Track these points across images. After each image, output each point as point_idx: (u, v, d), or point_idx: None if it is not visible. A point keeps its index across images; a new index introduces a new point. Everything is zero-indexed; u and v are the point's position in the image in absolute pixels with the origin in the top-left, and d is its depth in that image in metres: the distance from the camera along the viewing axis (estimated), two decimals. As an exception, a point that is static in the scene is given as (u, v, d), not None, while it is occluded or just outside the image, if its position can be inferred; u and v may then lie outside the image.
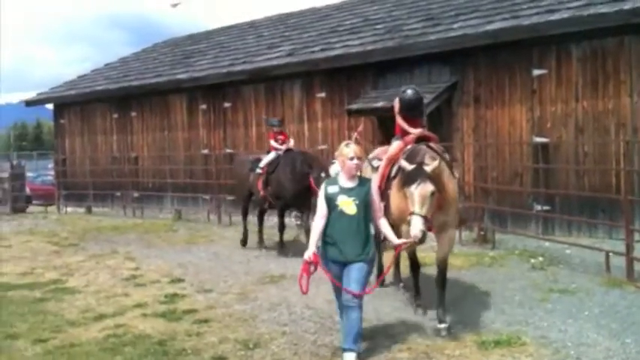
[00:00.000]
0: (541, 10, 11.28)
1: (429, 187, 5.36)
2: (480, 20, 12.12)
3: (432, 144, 6.33)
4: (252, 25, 20.73)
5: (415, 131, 6.60)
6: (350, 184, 5.19)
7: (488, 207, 11.17)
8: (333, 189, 5.20)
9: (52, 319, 6.83)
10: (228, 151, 16.28)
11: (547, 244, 9.89)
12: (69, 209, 19.00)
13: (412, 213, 5.32)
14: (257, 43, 17.76)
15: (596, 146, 10.62)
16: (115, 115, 19.38)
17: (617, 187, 9.95)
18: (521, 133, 11.47)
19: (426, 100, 11.51)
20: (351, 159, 5.15)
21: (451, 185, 6.03)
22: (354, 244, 5.09)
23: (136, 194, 18.04)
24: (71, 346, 5.84)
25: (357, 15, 16.47)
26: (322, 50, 14.41)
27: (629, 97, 10.32)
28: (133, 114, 18.82)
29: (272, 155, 10.49)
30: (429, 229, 5.52)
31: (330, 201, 5.16)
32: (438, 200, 5.63)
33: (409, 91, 6.73)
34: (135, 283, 8.58)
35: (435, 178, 5.47)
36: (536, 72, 11.23)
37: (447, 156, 6.55)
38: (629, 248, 7.78)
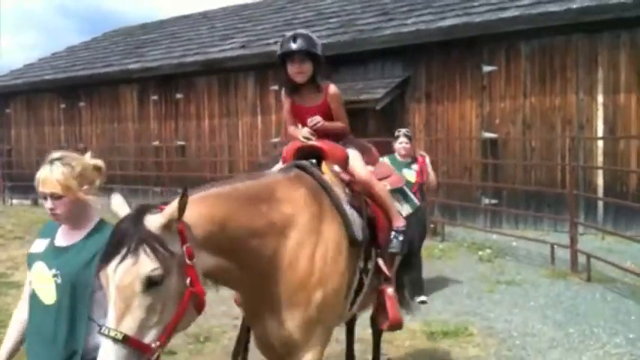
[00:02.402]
0: (492, 7, 11.48)
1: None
2: (433, 16, 12.25)
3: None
4: (206, 16, 20.47)
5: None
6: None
7: (438, 200, 11.33)
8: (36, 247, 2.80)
9: (-5, 313, 6.63)
10: (180, 143, 16.07)
11: (494, 236, 10.10)
12: (14, 201, 18.46)
13: None
14: (210, 34, 17.56)
15: (543, 142, 10.89)
16: (63, 106, 18.88)
17: (563, 182, 10.23)
18: (471, 128, 11.66)
19: (378, 95, 11.74)
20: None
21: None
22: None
23: (84, 186, 17.62)
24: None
25: (311, 9, 16.45)
26: (276, 43, 14.25)
27: (576, 95, 10.61)
28: (82, 104, 18.38)
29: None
30: None
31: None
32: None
33: None
34: (82, 276, 8.39)
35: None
36: (486, 68, 11.43)
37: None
38: (573, 241, 8.02)
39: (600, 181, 10.40)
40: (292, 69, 3.59)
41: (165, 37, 19.04)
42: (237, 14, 19.07)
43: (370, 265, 3.42)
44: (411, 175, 6.70)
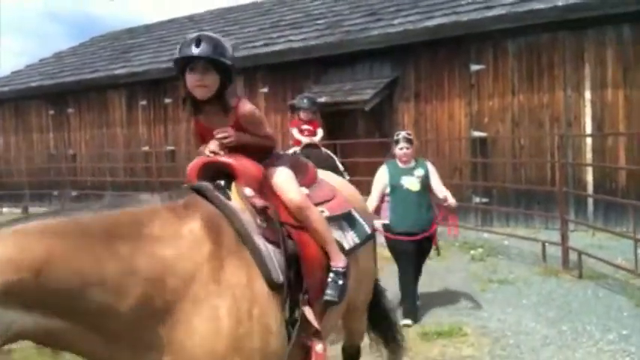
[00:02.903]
0: (479, 6, 11.51)
1: None
2: (420, 16, 12.28)
3: None
4: (193, 20, 20.41)
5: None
6: None
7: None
8: None
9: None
10: (170, 148, 16.02)
11: (486, 235, 10.12)
12: (4, 209, 18.31)
13: None
14: (198, 37, 17.48)
15: (532, 140, 10.93)
16: (51, 112, 18.77)
17: (552, 180, 10.27)
18: (460, 127, 11.69)
19: (367, 96, 11.74)
20: None
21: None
22: None
23: (74, 193, 17.53)
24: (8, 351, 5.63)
25: (299, 10, 16.44)
26: (264, 45, 14.32)
27: (563, 92, 10.66)
28: (70, 110, 18.28)
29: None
30: None
31: None
32: None
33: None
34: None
35: None
36: (474, 67, 11.46)
37: None
38: (564, 238, 8.05)
39: (590, 177, 10.45)
40: (192, 80, 2.86)
41: (152, 42, 18.97)
42: (223, 17, 19.04)
43: (297, 315, 2.71)
44: (412, 183, 6.07)
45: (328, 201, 3.24)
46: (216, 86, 2.86)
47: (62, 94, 18.23)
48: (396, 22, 12.52)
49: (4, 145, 20.25)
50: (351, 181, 7.07)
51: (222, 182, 2.83)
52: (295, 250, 2.79)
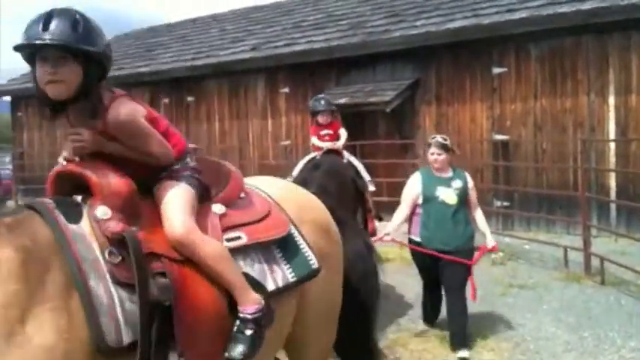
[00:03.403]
0: (501, 9, 11.46)
1: None
2: (442, 18, 12.25)
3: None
4: (216, 19, 20.53)
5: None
6: None
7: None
8: None
9: None
10: (191, 146, 16.09)
11: (507, 239, 10.07)
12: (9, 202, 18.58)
13: None
14: (221, 36, 17.61)
15: (555, 144, 10.86)
16: (75, 109, 18.96)
17: (575, 184, 10.21)
18: (482, 130, 11.65)
19: (388, 98, 11.75)
20: None
21: None
22: None
23: (96, 189, 17.72)
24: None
25: (321, 10, 16.46)
26: (286, 45, 14.37)
27: (587, 96, 10.58)
28: (93, 108, 18.45)
29: (304, 161, 6.90)
30: None
31: None
32: None
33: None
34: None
35: None
36: (497, 70, 11.42)
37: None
38: (586, 243, 7.99)
39: (613, 183, 10.37)
40: (42, 73, 2.21)
41: (175, 41, 19.10)
42: (246, 17, 19.11)
43: None
44: (449, 196, 5.38)
45: (254, 222, 2.55)
46: (77, 81, 2.21)
47: (86, 92, 18.38)
48: (418, 23, 12.50)
49: (28, 141, 20.52)
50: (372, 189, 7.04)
51: (80, 198, 2.19)
52: (171, 294, 2.08)
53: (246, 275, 2.38)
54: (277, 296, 2.49)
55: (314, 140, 7.04)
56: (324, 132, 7.01)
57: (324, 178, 5.49)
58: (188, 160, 2.55)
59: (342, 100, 12.29)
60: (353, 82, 13.13)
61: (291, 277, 2.56)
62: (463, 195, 5.43)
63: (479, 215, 5.63)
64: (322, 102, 7.13)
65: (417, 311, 6.28)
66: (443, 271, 5.35)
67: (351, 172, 6.55)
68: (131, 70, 17.35)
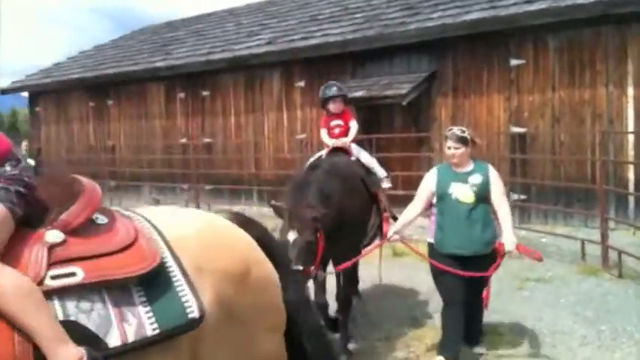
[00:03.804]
0: (519, 0, 11.33)
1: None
2: (458, 10, 12.14)
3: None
4: (232, 13, 20.56)
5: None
6: None
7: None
8: None
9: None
10: (207, 140, 16.18)
11: (523, 232, 9.96)
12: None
13: None
14: (236, 30, 17.62)
15: (572, 136, 10.74)
16: (92, 104, 19.13)
17: (593, 177, 10.08)
18: (499, 122, 11.55)
19: (404, 91, 11.68)
20: None
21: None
22: None
23: (113, 183, 17.86)
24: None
25: (336, 4, 16.40)
26: (302, 39, 14.34)
27: (605, 88, 10.44)
28: (110, 102, 18.60)
29: (313, 158, 6.38)
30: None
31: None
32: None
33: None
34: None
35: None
36: (514, 62, 11.30)
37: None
38: (604, 236, 7.91)
39: (631, 175, 10.22)
40: None
41: (190, 35, 19.16)
42: (262, 11, 19.11)
43: None
44: (465, 193, 4.72)
45: (105, 255, 2.03)
46: None
47: (102, 86, 18.55)
48: (434, 16, 12.40)
49: (46, 136, 20.71)
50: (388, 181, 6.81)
51: None
52: None
53: (74, 324, 1.87)
54: (129, 355, 1.94)
55: (323, 135, 6.37)
56: (334, 122, 6.28)
57: (323, 179, 5.01)
58: (7, 167, 2.06)
59: (358, 94, 12.25)
60: (369, 75, 13.07)
61: (151, 328, 1.98)
62: (482, 191, 4.71)
63: (502, 212, 4.80)
64: (334, 88, 6.33)
65: (431, 305, 6.26)
66: (460, 278, 4.70)
67: (359, 171, 5.91)
68: (147, 65, 17.43)
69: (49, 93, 20.42)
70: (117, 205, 16.65)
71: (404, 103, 11.72)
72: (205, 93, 16.23)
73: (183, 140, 16.69)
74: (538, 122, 11.13)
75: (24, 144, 13.81)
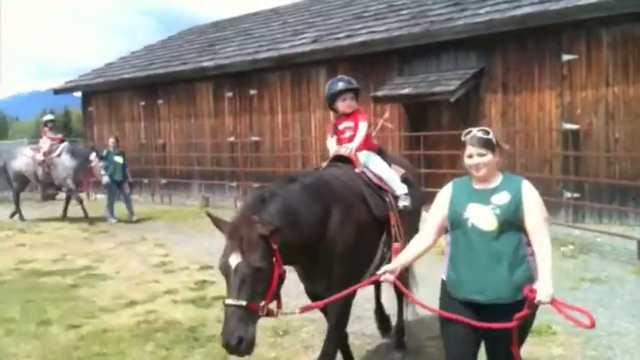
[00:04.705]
0: (571, -7, 11.09)
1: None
2: (507, 5, 11.94)
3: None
4: (277, 12, 20.70)
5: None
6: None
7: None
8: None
9: (84, 305, 6.96)
10: (254, 138, 16.33)
11: (577, 232, 9.79)
12: (98, 196, 19.21)
13: None
14: (282, 29, 17.74)
15: (627, 133, 10.46)
16: (142, 103, 19.53)
17: (649, 174, 9.81)
18: (551, 119, 11.32)
19: (453, 87, 11.56)
20: None
21: None
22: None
23: (163, 181, 18.22)
24: (104, 331, 5.96)
25: (382, 1, 16.32)
26: (347, 37, 14.34)
27: (662, 82, 10.13)
28: (160, 101, 18.95)
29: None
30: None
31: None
32: None
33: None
34: (165, 269, 8.71)
35: None
36: (566, 57, 11.05)
37: None
38: (662, 236, 7.68)
39: (690, 172, 9.91)
40: None
41: (237, 35, 19.36)
42: (307, 9, 19.18)
43: None
44: (485, 217, 3.30)
45: None
46: None
47: (152, 86, 18.91)
48: (482, 11, 12.23)
49: (98, 134, 21.20)
50: (428, 177, 6.66)
51: None
52: None
53: None
54: None
55: (329, 143, 5.12)
56: (343, 125, 5.02)
57: (296, 193, 3.90)
58: None
59: (405, 91, 12.19)
60: (415, 72, 12.98)
61: None
62: (510, 215, 3.28)
63: (539, 245, 3.35)
64: (340, 83, 4.99)
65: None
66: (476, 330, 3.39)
67: (361, 188, 4.50)
68: (195, 64, 17.69)
69: (101, 93, 20.91)
70: (167, 202, 16.97)
71: (452, 99, 11.60)
72: (252, 92, 16.38)
73: (231, 139, 16.88)
74: (591, 118, 10.86)
75: (111, 140, 14.05)
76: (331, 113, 6.50)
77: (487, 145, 3.38)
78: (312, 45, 14.92)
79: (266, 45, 16.58)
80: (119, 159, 13.82)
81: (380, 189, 4.67)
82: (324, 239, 3.96)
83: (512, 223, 3.30)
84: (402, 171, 5.03)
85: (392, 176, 4.85)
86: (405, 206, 4.71)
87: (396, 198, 4.73)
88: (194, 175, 17.54)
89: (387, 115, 12.33)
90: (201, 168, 17.25)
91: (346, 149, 4.81)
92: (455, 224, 3.43)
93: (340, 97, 4.96)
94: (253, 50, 16.61)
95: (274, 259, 3.41)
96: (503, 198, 3.33)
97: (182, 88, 18.18)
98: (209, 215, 3.61)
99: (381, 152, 5.07)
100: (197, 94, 17.86)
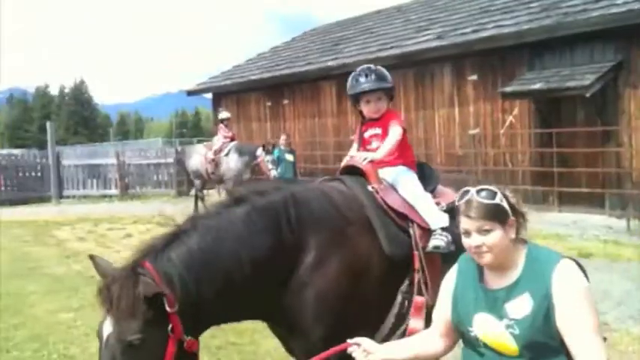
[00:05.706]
0: None
1: None
2: (648, -7, 11.21)
3: None
4: (400, 9, 20.62)
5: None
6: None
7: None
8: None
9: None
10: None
11: None
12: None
13: None
14: (405, 27, 17.66)
15: None
16: (268, 103, 20.15)
17: None
18: (698, 114, 10.52)
19: (588, 82, 11.02)
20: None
21: None
22: None
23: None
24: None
25: (510, -7, 15.83)
26: (474, 32, 14.03)
27: None
28: (285, 102, 19.47)
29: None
30: None
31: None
32: None
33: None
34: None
35: None
36: None
37: None
38: None
39: None
40: None
41: (360, 33, 19.49)
42: (431, 5, 18.95)
43: None
44: (497, 335, 2.16)
45: None
46: None
47: (278, 86, 19.47)
48: (619, 1, 11.55)
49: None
50: (562, 176, 6.34)
51: None
52: None
53: None
54: None
55: (353, 148, 4.09)
56: (370, 132, 3.91)
57: (227, 229, 2.83)
58: None
59: (537, 86, 11.78)
60: (547, 66, 12.49)
61: None
62: (536, 334, 2.09)
63: None
64: (362, 80, 3.88)
65: (625, 310, 5.88)
66: None
67: (364, 211, 3.31)
68: (319, 64, 18.01)
69: (230, 94, 21.79)
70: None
71: (587, 94, 11.05)
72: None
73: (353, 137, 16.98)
74: None
75: (282, 138, 14.47)
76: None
77: (493, 214, 2.14)
78: (437, 41, 14.73)
79: (389, 43, 16.57)
80: (290, 157, 13.94)
81: (403, 218, 3.39)
82: (293, 284, 2.91)
83: (541, 344, 2.09)
84: (452, 198, 3.25)
85: (427, 202, 3.50)
86: (436, 247, 3.29)
87: (431, 232, 3.38)
88: (318, 173, 17.84)
89: (515, 111, 12.02)
90: (324, 166, 17.54)
91: (361, 158, 3.66)
92: (464, 338, 2.33)
93: (364, 98, 3.81)
94: (376, 49, 16.66)
95: (170, 326, 2.46)
96: (522, 307, 2.11)
97: (306, 87, 18.57)
98: (91, 258, 2.63)
99: (423, 168, 3.80)
100: (321, 93, 18.18)
